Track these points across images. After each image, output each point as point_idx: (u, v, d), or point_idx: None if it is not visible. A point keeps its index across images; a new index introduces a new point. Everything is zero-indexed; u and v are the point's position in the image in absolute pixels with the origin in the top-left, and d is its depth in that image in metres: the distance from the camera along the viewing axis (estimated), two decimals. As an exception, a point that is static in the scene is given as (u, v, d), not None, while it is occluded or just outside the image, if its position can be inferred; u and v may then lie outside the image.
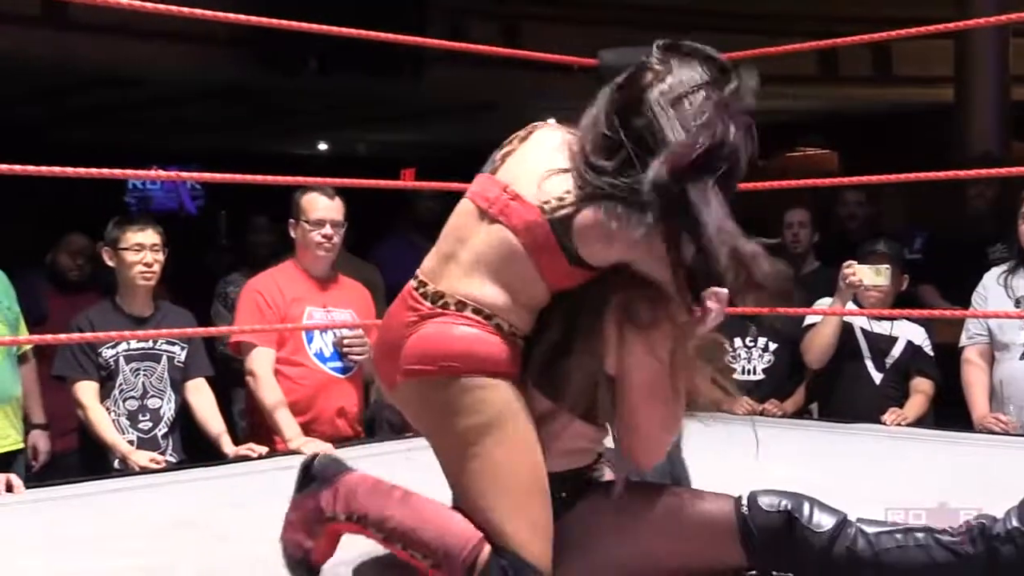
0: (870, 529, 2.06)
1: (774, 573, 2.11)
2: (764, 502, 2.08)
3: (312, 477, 2.14)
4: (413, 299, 2.06)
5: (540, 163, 2.04)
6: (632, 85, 2.02)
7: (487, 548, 1.92)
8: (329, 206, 4.04)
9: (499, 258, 2.02)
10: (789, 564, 2.09)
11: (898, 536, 2.05)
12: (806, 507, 2.07)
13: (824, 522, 2.05)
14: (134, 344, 3.91)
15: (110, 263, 3.96)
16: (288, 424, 3.79)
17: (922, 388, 4.37)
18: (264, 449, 3.75)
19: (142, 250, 3.91)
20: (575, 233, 1.97)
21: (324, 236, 4.01)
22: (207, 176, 3.99)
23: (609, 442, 2.19)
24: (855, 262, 4.26)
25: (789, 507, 2.06)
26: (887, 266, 4.23)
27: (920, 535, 2.05)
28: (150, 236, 3.94)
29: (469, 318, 2.00)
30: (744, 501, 2.09)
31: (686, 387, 2.09)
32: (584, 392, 2.04)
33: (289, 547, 2.11)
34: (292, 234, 4.09)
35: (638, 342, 2.02)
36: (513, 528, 1.93)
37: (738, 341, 4.62)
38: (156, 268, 3.95)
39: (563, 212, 1.97)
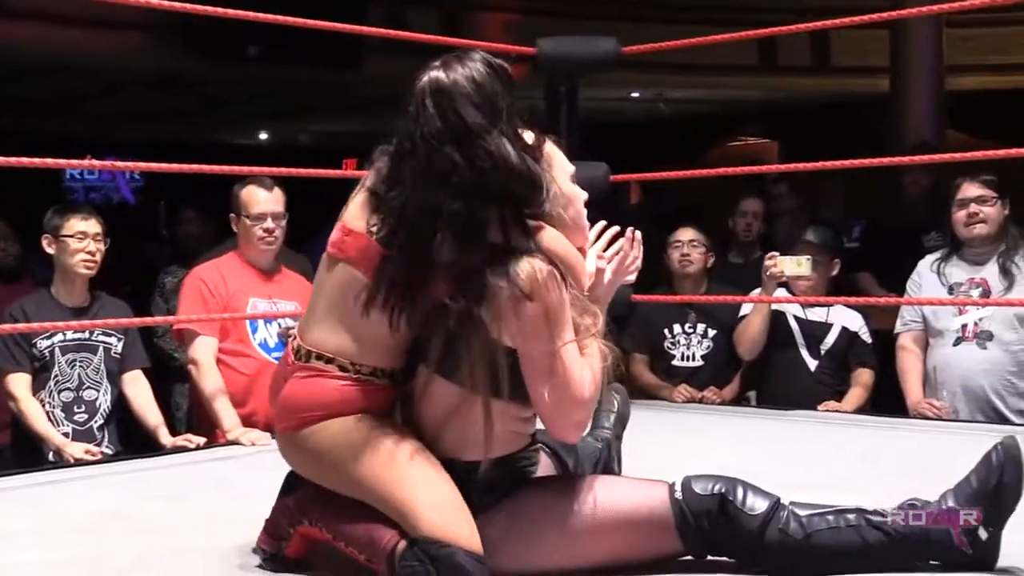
0: (803, 512, 2.09)
1: (709, 557, 2.12)
2: (698, 487, 2.09)
3: (290, 484, 2.26)
4: (288, 353, 2.22)
5: (365, 200, 2.14)
6: (410, 86, 2.07)
7: (402, 541, 2.01)
8: (268, 199, 4.00)
9: (344, 295, 2.13)
10: (723, 548, 2.11)
11: (830, 518, 2.08)
12: (740, 491, 2.09)
13: (758, 505, 2.07)
14: (70, 335, 3.85)
15: (49, 250, 3.89)
16: (227, 414, 3.76)
17: (862, 380, 4.41)
18: (202, 440, 3.72)
19: (85, 238, 3.85)
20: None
21: (265, 230, 3.97)
22: (143, 165, 3.93)
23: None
24: (777, 253, 4.31)
25: (723, 491, 2.08)
26: (808, 257, 4.27)
27: (852, 516, 2.08)
28: (93, 225, 3.88)
29: (312, 368, 2.14)
30: (678, 487, 2.11)
31: (596, 364, 2.09)
32: (486, 371, 2.04)
33: (263, 544, 2.23)
34: (234, 228, 4.05)
35: (522, 315, 2.01)
36: (419, 517, 2.01)
37: (677, 327, 4.65)
38: (98, 258, 3.88)
39: (387, 228, 2.06)
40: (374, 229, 2.08)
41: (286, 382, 2.19)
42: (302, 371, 2.15)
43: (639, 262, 2.30)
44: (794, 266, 4.24)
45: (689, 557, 2.12)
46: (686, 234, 4.71)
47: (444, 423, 2.11)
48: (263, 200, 3.99)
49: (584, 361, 2.07)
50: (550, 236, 2.09)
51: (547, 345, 2.02)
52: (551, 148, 2.19)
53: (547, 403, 2.06)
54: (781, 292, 4.39)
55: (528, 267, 2.00)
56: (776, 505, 2.08)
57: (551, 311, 2.01)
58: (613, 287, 2.26)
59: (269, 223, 3.97)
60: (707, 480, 2.11)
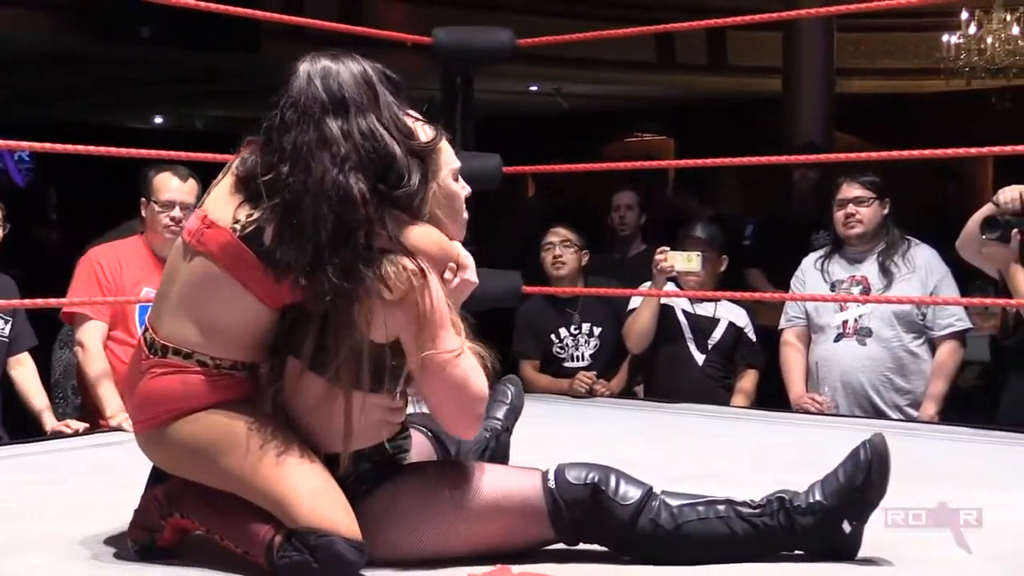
0: (673, 502, 2.12)
1: (581, 545, 2.15)
2: (571, 476, 2.11)
3: (158, 474, 2.22)
4: (140, 347, 2.16)
5: (232, 187, 2.09)
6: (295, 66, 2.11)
7: (278, 534, 2.00)
8: (181, 187, 3.91)
9: (201, 289, 2.08)
10: (595, 536, 2.13)
11: (700, 508, 2.12)
12: (612, 480, 2.11)
13: (630, 494, 2.10)
14: (-44, 318, 3.74)
15: None
16: (110, 399, 3.69)
17: (746, 387, 4.51)
18: (83, 425, 3.65)
19: None
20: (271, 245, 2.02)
21: (172, 219, 3.88)
22: (26, 145, 3.84)
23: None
24: (668, 248, 4.34)
25: (596, 480, 2.10)
26: (698, 252, 4.31)
27: (721, 507, 2.12)
28: None
29: (170, 364, 2.09)
30: (551, 476, 2.12)
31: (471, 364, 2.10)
32: (354, 364, 2.04)
33: (133, 536, 2.19)
34: (142, 212, 3.97)
35: (393, 319, 2.03)
36: (296, 507, 2.00)
37: (564, 331, 4.63)
38: None
39: (252, 228, 2.03)
40: (237, 226, 2.03)
41: (142, 376, 2.13)
42: (159, 367, 2.10)
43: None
44: (684, 261, 4.28)
45: (561, 545, 2.14)
46: (557, 235, 4.67)
47: (312, 415, 2.11)
48: (174, 188, 3.90)
49: (473, 358, 2.08)
50: (424, 233, 2.09)
51: (432, 347, 2.02)
52: (441, 143, 2.19)
53: (448, 407, 2.09)
54: (670, 286, 4.44)
55: (396, 269, 2.01)
56: (648, 495, 2.11)
57: (422, 314, 2.02)
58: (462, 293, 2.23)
59: (177, 212, 3.87)
60: (580, 469, 2.12)
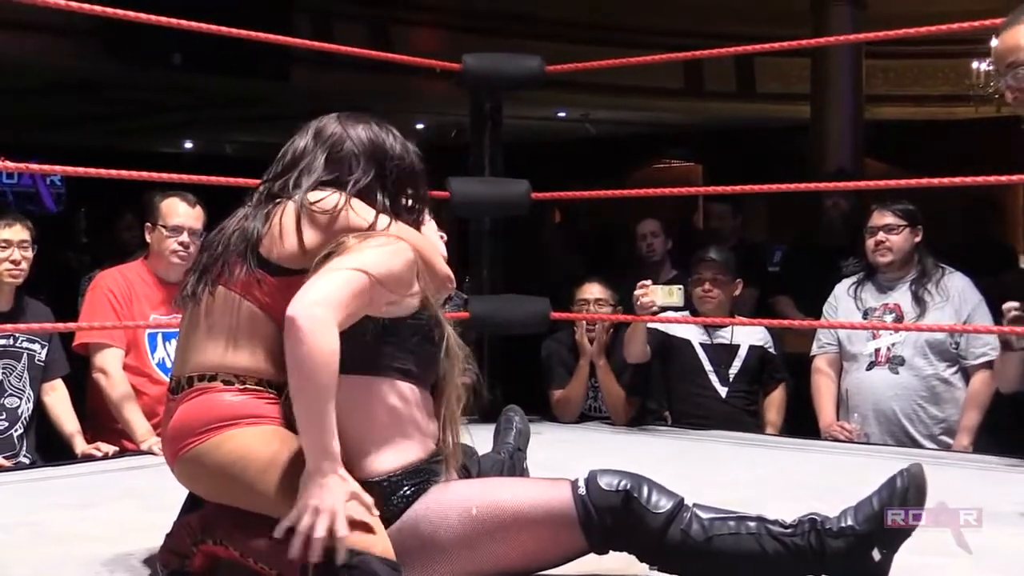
0: (705, 515, 2.11)
1: (611, 552, 2.14)
2: (603, 482, 2.10)
3: (193, 503, 2.25)
4: (168, 398, 2.23)
5: None
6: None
7: None
8: (189, 213, 3.92)
9: (212, 314, 2.19)
10: (625, 544, 2.12)
11: (731, 523, 2.10)
12: (645, 488, 2.10)
13: (662, 503, 2.09)
14: (-7, 341, 3.75)
15: None
16: (138, 422, 3.70)
17: (775, 401, 4.48)
18: (113, 449, 3.66)
19: (9, 247, 3.74)
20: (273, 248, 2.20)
21: (180, 244, 3.88)
22: (59, 169, 3.85)
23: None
24: (649, 282, 4.23)
25: (628, 487, 2.09)
26: (680, 286, 4.21)
27: (752, 524, 2.10)
28: (18, 232, 3.76)
29: (195, 390, 2.16)
30: (581, 483, 2.12)
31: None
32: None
33: (166, 560, 2.21)
34: (147, 238, 3.96)
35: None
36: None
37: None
38: (24, 266, 3.77)
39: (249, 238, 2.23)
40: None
41: (171, 416, 2.19)
42: (186, 397, 2.16)
43: None
44: (666, 296, 4.15)
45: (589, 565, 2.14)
46: (591, 292, 4.55)
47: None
48: (183, 213, 3.91)
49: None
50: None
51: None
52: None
53: None
54: (687, 315, 4.38)
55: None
56: (680, 505, 2.10)
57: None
58: None
59: (185, 237, 3.88)
60: (612, 476, 2.11)
